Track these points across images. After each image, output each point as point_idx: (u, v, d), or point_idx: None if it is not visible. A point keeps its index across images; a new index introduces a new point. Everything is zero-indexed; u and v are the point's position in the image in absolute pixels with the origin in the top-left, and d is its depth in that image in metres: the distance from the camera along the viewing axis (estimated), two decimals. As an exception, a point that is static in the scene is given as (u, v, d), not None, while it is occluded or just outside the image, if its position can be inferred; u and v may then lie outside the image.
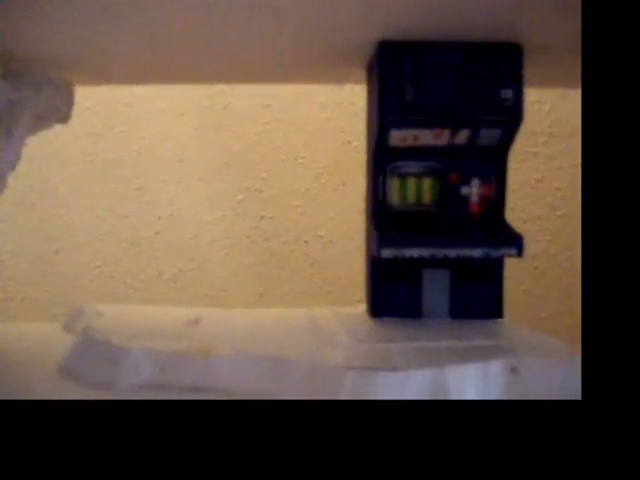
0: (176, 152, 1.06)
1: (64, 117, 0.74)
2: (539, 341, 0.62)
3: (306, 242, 1.07)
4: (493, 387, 0.52)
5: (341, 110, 1.05)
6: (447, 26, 0.59)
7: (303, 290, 1.07)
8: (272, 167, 1.06)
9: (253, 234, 1.07)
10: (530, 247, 1.03)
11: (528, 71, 0.64)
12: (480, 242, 0.64)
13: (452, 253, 0.64)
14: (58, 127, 0.76)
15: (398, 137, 0.65)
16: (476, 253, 0.64)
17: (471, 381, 0.51)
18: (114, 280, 1.08)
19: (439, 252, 0.64)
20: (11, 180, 0.71)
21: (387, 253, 0.63)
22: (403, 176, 0.67)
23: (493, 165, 0.67)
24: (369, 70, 0.69)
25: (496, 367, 0.53)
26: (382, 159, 0.67)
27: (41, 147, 0.87)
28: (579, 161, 1.03)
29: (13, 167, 0.70)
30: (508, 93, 0.63)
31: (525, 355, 0.55)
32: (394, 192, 0.67)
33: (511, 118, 0.63)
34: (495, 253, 0.64)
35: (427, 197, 0.68)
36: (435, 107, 0.62)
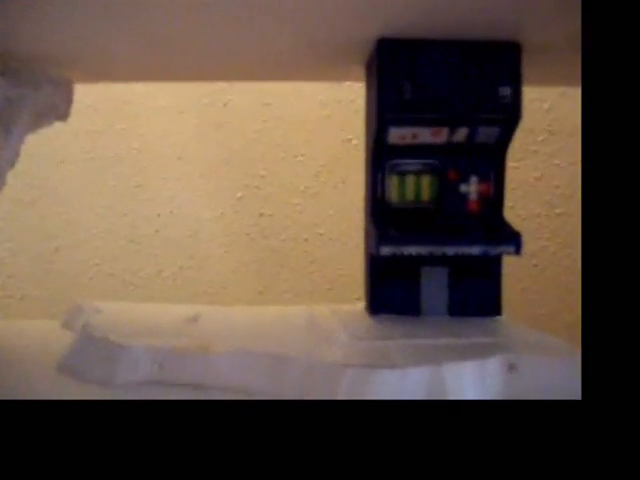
0: (176, 150, 1.07)
1: (63, 115, 0.74)
2: (537, 338, 0.62)
3: (305, 240, 1.07)
4: (491, 384, 0.52)
5: (341, 108, 1.05)
6: (446, 24, 0.59)
7: (302, 288, 1.07)
8: (271, 165, 1.06)
9: (252, 232, 1.07)
10: (529, 245, 1.03)
11: (527, 69, 0.64)
12: (478, 240, 0.64)
13: (450, 251, 0.64)
14: (57, 125, 0.76)
15: (397, 135, 0.65)
16: (474, 251, 0.64)
17: (469, 378, 0.51)
18: (113, 277, 1.08)
19: (437, 250, 0.64)
20: (10, 178, 0.71)
21: (386, 250, 0.63)
22: (402, 174, 0.67)
23: (492, 163, 0.67)
24: (368, 68, 0.69)
25: (494, 364, 0.53)
26: (381, 157, 0.67)
27: (40, 145, 0.87)
28: (578, 159, 1.03)
29: (12, 165, 0.70)
30: (506, 91, 0.63)
31: (523, 352, 0.55)
32: (393, 190, 0.68)
33: (509, 116, 0.63)
34: (493, 251, 0.64)
35: (426, 195, 0.68)
36: (434, 105, 0.62)
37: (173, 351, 0.57)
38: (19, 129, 0.68)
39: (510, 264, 0.71)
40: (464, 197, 0.67)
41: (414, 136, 0.65)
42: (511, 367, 0.53)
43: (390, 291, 0.69)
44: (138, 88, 1.04)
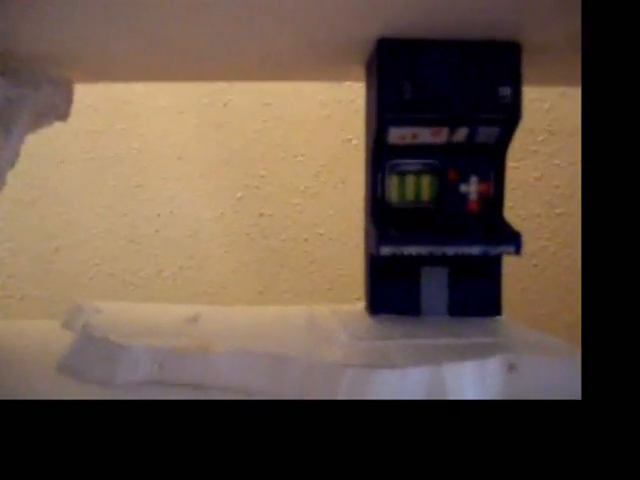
0: (176, 150, 1.07)
1: (63, 115, 0.74)
2: (537, 338, 0.62)
3: (305, 240, 1.07)
4: (491, 384, 0.52)
5: (341, 108, 1.05)
6: (446, 24, 0.59)
7: (302, 288, 1.07)
8: (271, 165, 1.06)
9: (252, 232, 1.07)
10: (529, 245, 1.03)
11: (527, 69, 0.64)
12: (478, 240, 0.64)
13: (450, 251, 0.64)
14: (57, 125, 0.76)
15: (397, 135, 0.65)
16: (474, 251, 0.64)
17: (469, 378, 0.51)
18: (113, 277, 1.08)
19: (437, 250, 0.64)
20: (10, 178, 0.71)
21: (386, 251, 0.63)
22: (402, 174, 0.67)
23: (492, 163, 0.67)
24: (368, 68, 0.69)
25: (494, 364, 0.53)
26: (381, 157, 0.67)
27: (40, 145, 0.87)
28: (578, 159, 1.03)
29: (12, 165, 0.70)
30: (506, 91, 0.63)
31: (523, 352, 0.55)
32: (393, 190, 0.68)
33: (509, 116, 0.63)
34: (493, 251, 0.64)
35: (426, 195, 0.68)
36: (434, 105, 0.62)
37: (173, 351, 0.57)
38: (19, 129, 0.68)
39: (510, 264, 0.71)
40: (464, 197, 0.67)
41: (414, 136, 0.65)
42: (511, 367, 0.53)
43: (390, 291, 0.69)
44: (138, 88, 1.04)
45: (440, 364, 0.51)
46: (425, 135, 0.65)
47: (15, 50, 0.65)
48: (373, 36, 0.62)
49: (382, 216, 0.67)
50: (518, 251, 0.64)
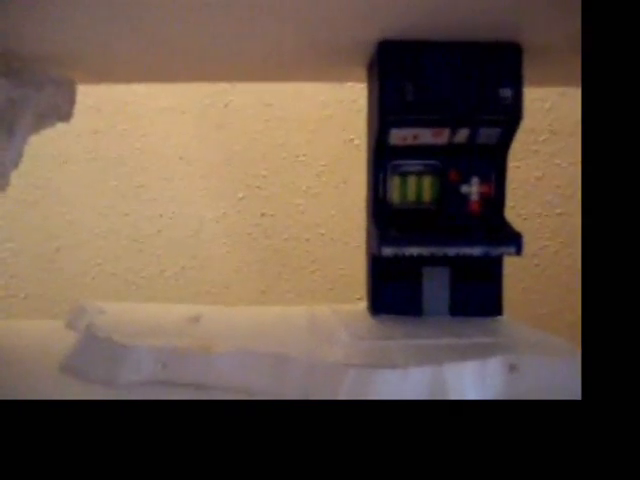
0: (178, 150, 1.07)
1: (66, 115, 0.75)
2: (538, 338, 0.62)
3: (307, 240, 1.07)
4: (492, 384, 0.52)
5: (342, 108, 1.05)
6: (447, 26, 0.59)
7: (304, 287, 1.08)
8: (273, 165, 1.06)
9: (254, 232, 1.08)
10: (530, 245, 1.03)
11: (528, 70, 0.64)
12: (479, 240, 0.64)
13: (452, 251, 0.64)
14: (60, 125, 0.76)
15: (398, 136, 0.65)
16: (476, 251, 0.64)
17: (470, 378, 0.51)
18: (116, 277, 1.09)
19: (439, 250, 0.64)
20: (13, 178, 0.71)
21: (387, 251, 0.64)
22: (403, 175, 0.68)
23: (493, 164, 0.68)
24: (369, 69, 0.70)
25: (495, 364, 0.53)
26: (382, 158, 0.67)
27: (43, 145, 0.87)
28: (579, 159, 1.03)
29: (16, 165, 0.70)
30: (507, 92, 0.63)
31: (524, 352, 0.56)
32: (394, 190, 0.68)
33: (510, 117, 0.64)
34: (494, 251, 0.64)
35: (427, 195, 0.68)
36: (435, 106, 0.63)
37: (176, 351, 0.57)
38: (22, 130, 0.69)
39: (511, 264, 0.71)
40: (465, 198, 0.68)
41: (415, 137, 0.65)
42: (512, 367, 0.53)
43: (392, 291, 0.69)
44: (140, 89, 1.04)
45: (441, 364, 0.51)
46: (426, 136, 0.65)
47: (17, 50, 0.66)
48: (375, 38, 0.62)
49: (384, 217, 0.67)
50: (519, 252, 0.64)
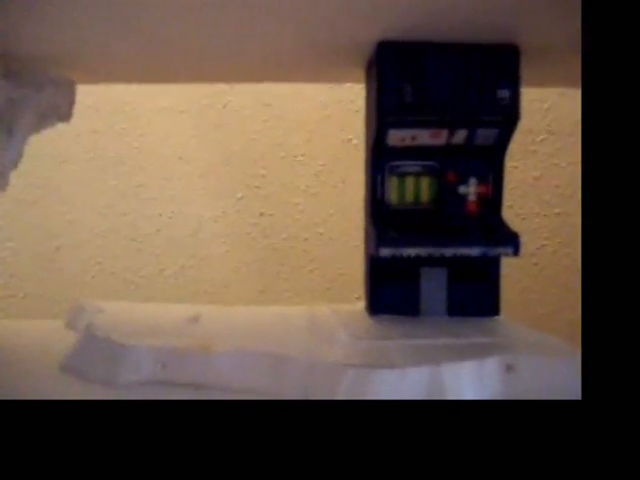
0: (176, 150, 1.07)
1: (65, 116, 0.75)
2: (536, 338, 0.62)
3: (306, 239, 1.08)
4: (489, 384, 0.53)
5: (341, 108, 1.05)
6: (445, 27, 0.59)
7: (303, 287, 1.08)
8: (272, 165, 1.07)
9: (253, 231, 1.08)
10: (528, 244, 1.04)
11: (526, 71, 0.64)
12: (477, 241, 0.64)
13: (449, 252, 0.64)
14: (59, 125, 0.76)
15: (396, 137, 0.65)
16: (473, 252, 0.64)
17: (467, 378, 0.52)
18: (115, 277, 1.09)
19: (436, 251, 0.64)
20: (13, 178, 0.72)
21: (385, 252, 0.64)
22: (401, 175, 0.68)
23: (490, 165, 0.68)
24: (368, 70, 0.70)
25: (492, 364, 0.53)
26: (380, 158, 0.68)
27: (42, 145, 0.87)
28: (578, 159, 1.04)
29: (15, 166, 0.71)
30: (505, 93, 0.63)
31: (521, 353, 0.56)
32: (392, 191, 0.68)
33: (508, 118, 0.64)
34: (492, 252, 0.65)
35: (425, 196, 0.68)
36: (433, 107, 0.63)
37: (175, 351, 0.57)
38: (22, 130, 0.69)
39: (510, 264, 0.72)
40: (463, 199, 0.68)
41: (413, 138, 0.65)
42: (509, 367, 0.54)
43: (390, 292, 0.69)
44: (139, 89, 1.04)
45: (439, 364, 0.52)
46: (424, 137, 0.65)
47: (16, 51, 0.66)
48: (373, 39, 0.62)
49: (381, 217, 0.67)
50: (517, 252, 0.65)
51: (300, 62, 0.73)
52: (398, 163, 0.68)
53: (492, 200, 0.68)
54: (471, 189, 0.68)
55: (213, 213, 1.08)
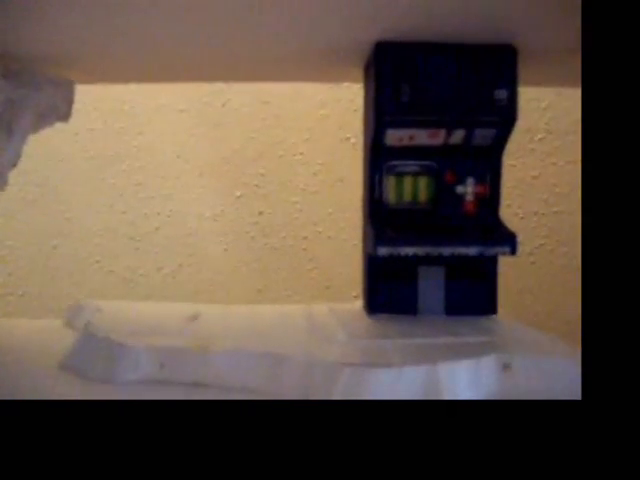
0: (175, 148, 1.07)
1: (64, 115, 0.75)
2: (533, 337, 0.63)
3: (304, 238, 1.08)
4: (486, 383, 0.53)
5: (339, 107, 1.05)
6: (443, 28, 0.59)
7: (301, 285, 1.08)
8: (270, 163, 1.07)
9: (252, 230, 1.08)
10: (526, 243, 1.04)
11: (523, 71, 0.64)
12: (474, 240, 0.65)
13: (447, 251, 0.65)
14: (57, 124, 0.76)
15: (394, 137, 0.65)
16: (471, 251, 0.65)
17: (463, 377, 0.52)
18: (113, 275, 1.09)
19: (434, 250, 0.65)
20: (11, 177, 0.72)
21: (383, 251, 0.64)
22: (399, 175, 0.68)
23: (488, 164, 0.68)
24: (366, 70, 0.70)
25: (488, 363, 0.54)
26: (378, 158, 0.68)
27: (41, 144, 0.87)
28: (576, 158, 1.04)
29: (14, 165, 0.71)
30: (502, 94, 0.63)
31: (518, 351, 0.56)
32: (390, 191, 0.68)
33: (505, 118, 0.64)
34: (489, 251, 0.65)
35: (423, 196, 0.69)
36: (431, 107, 0.63)
37: (173, 350, 0.58)
38: (21, 130, 0.69)
39: (508, 262, 0.72)
40: (460, 198, 0.68)
41: (411, 138, 0.66)
42: (506, 366, 0.54)
43: (388, 291, 0.70)
44: (137, 87, 1.04)
45: (435, 363, 0.52)
46: (422, 137, 0.66)
47: (16, 51, 0.66)
48: (372, 39, 0.63)
49: (379, 217, 0.68)
50: (513, 252, 0.65)
51: (299, 62, 0.74)
52: (396, 163, 0.68)
53: (489, 200, 0.69)
54: (469, 189, 0.68)
55: (212, 212, 1.08)
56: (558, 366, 0.54)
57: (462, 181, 0.68)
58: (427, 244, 0.64)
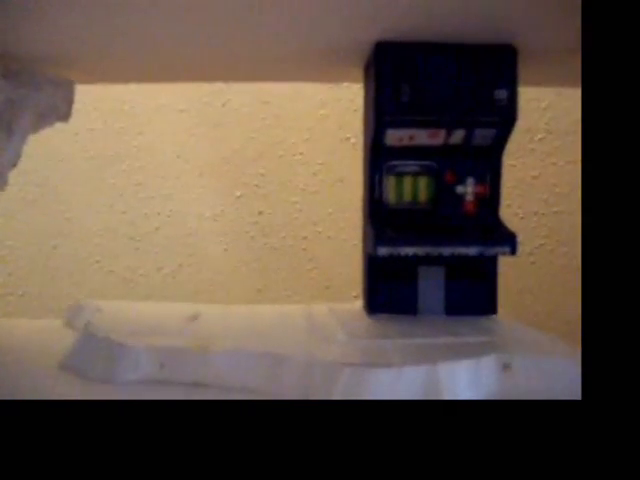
0: (175, 148, 1.07)
1: (64, 115, 0.75)
2: (533, 337, 0.63)
3: (304, 238, 1.08)
4: (485, 383, 0.53)
5: (339, 107, 1.05)
6: (443, 28, 0.59)
7: (301, 285, 1.08)
8: (270, 163, 1.07)
9: (252, 230, 1.08)
10: (526, 243, 1.04)
11: (523, 71, 0.64)
12: (474, 240, 0.65)
13: (447, 251, 0.65)
14: (57, 124, 0.76)
15: (394, 137, 0.65)
16: (471, 251, 0.65)
17: (463, 377, 0.52)
18: (113, 275, 1.09)
19: (434, 250, 0.65)
20: (11, 177, 0.72)
21: (383, 251, 0.64)
22: (399, 175, 0.68)
23: (488, 164, 0.68)
24: (366, 70, 0.70)
25: (488, 363, 0.54)
26: (378, 158, 0.68)
27: (41, 144, 0.87)
28: (576, 158, 1.04)
29: (14, 165, 0.71)
30: (502, 94, 0.63)
31: (518, 351, 0.56)
32: (390, 191, 0.68)
33: (505, 118, 0.64)
34: (489, 251, 0.65)
35: (423, 196, 0.69)
36: (431, 107, 0.63)
37: (173, 350, 0.58)
38: (21, 130, 0.69)
39: (508, 262, 0.72)
40: (460, 198, 0.68)
41: (411, 138, 0.66)
42: (505, 366, 0.54)
43: (387, 291, 0.70)
44: (137, 87, 1.04)
45: (435, 363, 0.52)
46: (422, 137, 0.66)
47: (16, 51, 0.66)
48: (372, 39, 0.63)
49: (379, 217, 0.68)
50: (513, 252, 0.65)
51: (299, 62, 0.74)
52: (396, 163, 0.68)
53: (489, 200, 0.69)
54: (468, 189, 0.68)
55: (212, 212, 1.08)
56: (558, 366, 0.54)
57: (462, 181, 0.68)
58: (427, 244, 0.64)
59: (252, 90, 1.05)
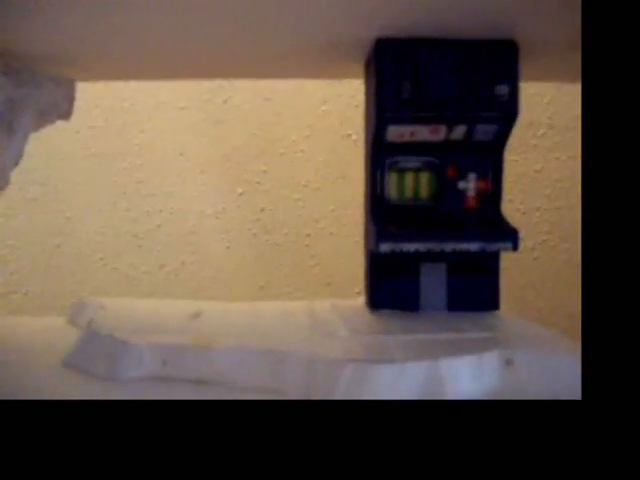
0: (177, 146, 1.07)
1: (65, 113, 0.75)
2: (535, 332, 0.63)
3: (306, 235, 1.08)
4: (488, 379, 0.53)
5: (340, 103, 1.05)
6: (444, 24, 0.59)
7: (303, 282, 1.08)
8: (272, 160, 1.07)
9: (254, 227, 1.08)
10: (529, 238, 1.04)
11: (525, 67, 0.64)
12: (476, 236, 0.65)
13: (449, 247, 0.65)
14: (58, 122, 0.76)
15: (395, 133, 0.65)
16: (473, 247, 0.65)
17: (465, 373, 0.52)
18: (116, 273, 1.09)
19: (436, 246, 0.65)
20: (13, 176, 0.72)
21: (385, 247, 0.64)
22: (401, 171, 0.68)
23: (489, 160, 0.68)
24: (367, 66, 0.70)
25: (490, 359, 0.54)
26: (380, 154, 0.68)
27: (42, 142, 0.88)
28: (578, 153, 1.04)
29: (16, 164, 0.71)
30: (504, 89, 0.63)
31: (520, 347, 0.56)
32: (392, 187, 0.68)
33: (507, 114, 0.64)
34: (491, 247, 0.65)
35: (424, 192, 0.69)
36: (432, 103, 0.63)
37: (176, 348, 0.58)
38: (22, 128, 0.69)
39: (510, 257, 0.72)
40: (462, 194, 0.68)
41: (412, 134, 0.66)
42: (508, 362, 0.54)
43: (390, 287, 0.70)
44: (138, 85, 1.04)
45: (438, 359, 0.52)
46: (423, 133, 0.65)
47: (16, 50, 0.66)
48: (372, 35, 0.63)
49: (381, 213, 0.68)
50: (515, 247, 0.65)
51: (300, 58, 0.74)
52: (397, 159, 0.68)
53: (491, 195, 0.68)
54: (470, 185, 0.68)
55: (214, 209, 1.08)
56: (560, 362, 0.54)
57: (464, 177, 0.68)
58: (429, 240, 0.64)
59: (253, 87, 1.05)
